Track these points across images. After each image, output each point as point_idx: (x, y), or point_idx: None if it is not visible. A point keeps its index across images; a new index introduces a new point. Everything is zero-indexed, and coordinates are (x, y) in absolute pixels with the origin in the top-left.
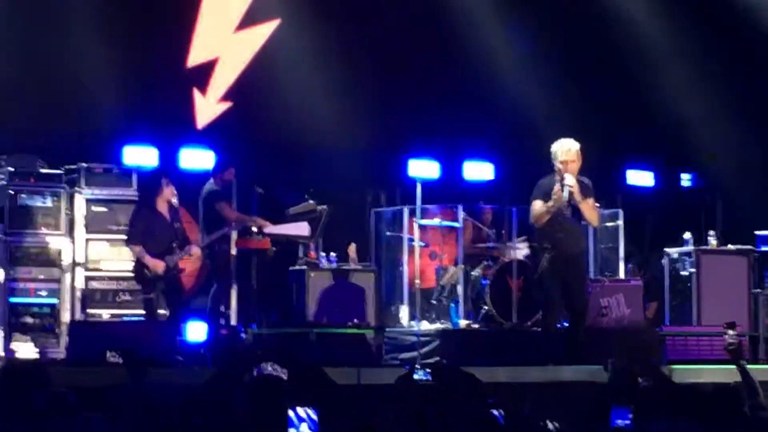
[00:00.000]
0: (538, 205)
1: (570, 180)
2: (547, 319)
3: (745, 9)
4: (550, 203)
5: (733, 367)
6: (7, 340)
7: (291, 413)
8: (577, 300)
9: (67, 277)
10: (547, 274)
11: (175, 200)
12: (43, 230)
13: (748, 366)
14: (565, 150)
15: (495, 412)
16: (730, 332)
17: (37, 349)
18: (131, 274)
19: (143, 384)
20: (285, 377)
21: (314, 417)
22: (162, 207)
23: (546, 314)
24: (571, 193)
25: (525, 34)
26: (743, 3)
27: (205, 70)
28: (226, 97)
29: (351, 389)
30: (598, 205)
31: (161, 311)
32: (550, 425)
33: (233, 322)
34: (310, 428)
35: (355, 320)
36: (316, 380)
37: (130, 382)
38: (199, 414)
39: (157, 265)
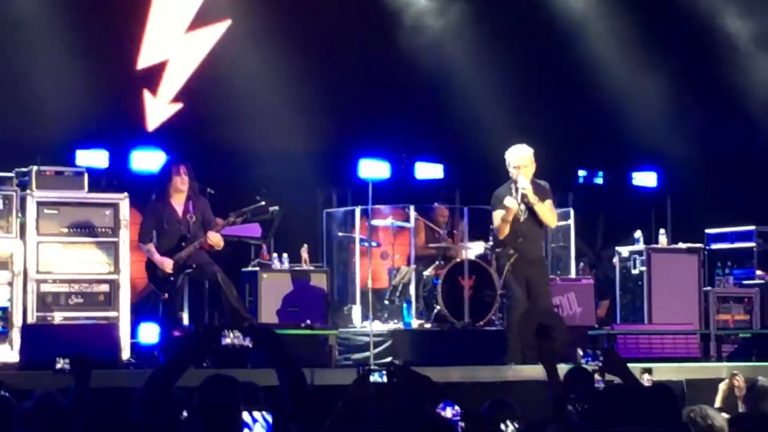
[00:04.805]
0: (497, 216)
1: (523, 182)
2: (510, 319)
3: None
4: (503, 213)
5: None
6: None
7: (246, 415)
8: (542, 302)
9: (19, 280)
10: (511, 277)
11: (183, 188)
12: None
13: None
14: (517, 156)
15: (452, 410)
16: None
17: None
18: (83, 277)
19: (86, 388)
20: (250, 345)
21: (269, 419)
22: (176, 199)
23: (510, 314)
24: (525, 195)
25: (474, 35)
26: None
27: (156, 72)
28: (176, 99)
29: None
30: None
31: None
32: (510, 426)
33: (185, 323)
34: (264, 429)
35: (308, 321)
36: (277, 348)
37: (74, 386)
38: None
39: (165, 264)
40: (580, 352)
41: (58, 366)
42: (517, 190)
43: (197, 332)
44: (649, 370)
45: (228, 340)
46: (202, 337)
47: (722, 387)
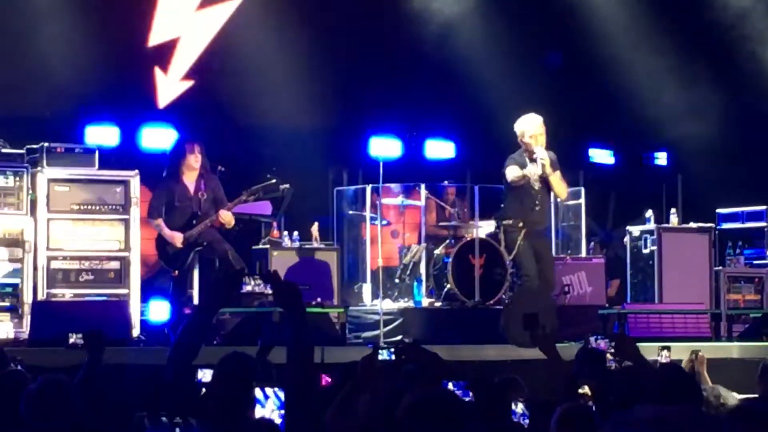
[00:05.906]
0: (514, 169)
1: (541, 153)
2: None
3: None
4: (518, 170)
5: (694, 344)
6: None
7: (258, 392)
8: (550, 275)
9: (30, 256)
10: (523, 251)
11: (197, 165)
12: (5, 210)
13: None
14: (532, 124)
15: (461, 388)
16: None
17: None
18: (94, 254)
19: (99, 363)
20: (269, 292)
21: (281, 395)
22: (188, 177)
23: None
24: (543, 166)
25: (485, 13)
26: None
27: (167, 49)
28: (188, 76)
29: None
30: None
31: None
32: (519, 405)
33: (195, 301)
34: (276, 406)
35: (319, 299)
36: (296, 300)
37: (87, 362)
38: (164, 396)
39: (174, 238)
40: (592, 338)
41: (71, 341)
42: (533, 161)
43: (219, 278)
44: (667, 348)
45: (249, 287)
46: (225, 282)
47: (684, 365)
